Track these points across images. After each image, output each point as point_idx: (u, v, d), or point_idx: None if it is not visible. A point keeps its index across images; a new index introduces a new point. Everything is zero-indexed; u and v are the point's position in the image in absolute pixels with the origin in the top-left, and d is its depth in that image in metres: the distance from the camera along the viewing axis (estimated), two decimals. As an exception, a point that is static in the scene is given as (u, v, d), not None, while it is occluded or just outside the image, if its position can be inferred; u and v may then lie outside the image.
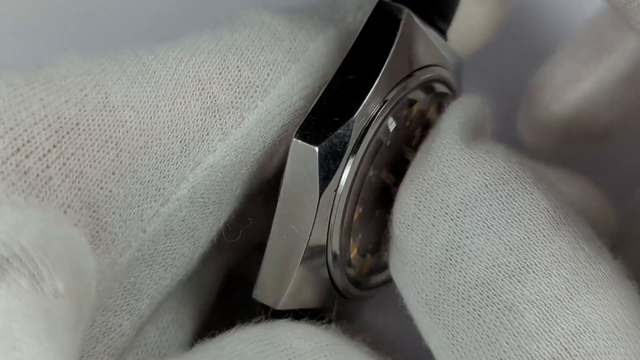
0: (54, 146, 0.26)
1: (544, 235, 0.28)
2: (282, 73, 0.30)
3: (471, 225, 0.29)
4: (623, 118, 0.39)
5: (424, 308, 0.29)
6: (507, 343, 0.27)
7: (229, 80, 0.29)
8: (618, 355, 0.26)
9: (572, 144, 0.39)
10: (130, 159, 0.27)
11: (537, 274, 0.28)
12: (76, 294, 0.25)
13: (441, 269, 0.29)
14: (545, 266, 0.28)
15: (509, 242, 0.28)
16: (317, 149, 0.28)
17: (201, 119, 0.29)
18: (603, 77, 0.37)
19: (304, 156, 0.29)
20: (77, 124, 0.27)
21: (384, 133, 0.30)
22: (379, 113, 0.30)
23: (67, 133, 0.27)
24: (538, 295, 0.27)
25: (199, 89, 0.29)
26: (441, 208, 0.29)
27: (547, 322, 0.27)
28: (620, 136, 0.40)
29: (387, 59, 0.29)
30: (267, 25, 0.31)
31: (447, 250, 0.29)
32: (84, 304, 0.26)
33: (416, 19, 0.31)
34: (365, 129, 0.29)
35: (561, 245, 0.28)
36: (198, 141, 0.29)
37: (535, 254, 0.28)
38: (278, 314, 0.31)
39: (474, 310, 0.28)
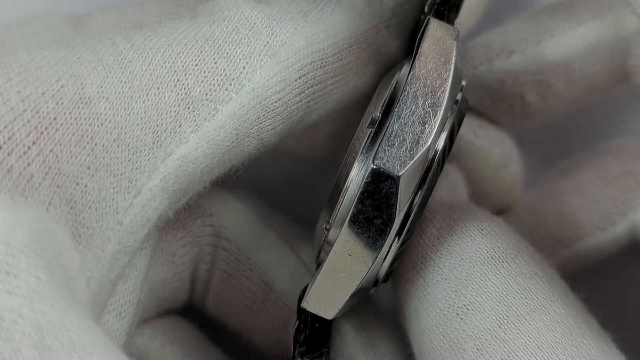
0: (34, 143, 0.26)
1: (481, 275, 0.31)
2: (257, 66, 0.30)
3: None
4: (550, 106, 0.39)
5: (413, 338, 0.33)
6: None
7: (204, 72, 0.29)
8: None
9: (495, 114, 0.39)
10: (104, 152, 0.28)
11: (474, 311, 0.30)
12: (65, 287, 0.26)
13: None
14: (480, 303, 0.31)
15: (454, 283, 0.31)
16: (400, 176, 0.28)
17: (174, 111, 0.29)
18: (536, 58, 0.37)
19: (383, 183, 0.28)
20: (54, 119, 0.27)
21: (442, 156, 0.30)
22: (442, 136, 0.30)
23: (46, 129, 0.27)
24: (475, 329, 0.30)
25: (174, 80, 0.29)
26: None
27: (480, 352, 0.30)
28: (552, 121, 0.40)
29: (449, 86, 0.29)
30: (245, 18, 0.31)
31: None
32: (74, 297, 0.26)
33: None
34: (433, 155, 0.29)
35: (495, 282, 0.31)
36: (170, 132, 0.29)
37: (472, 292, 0.31)
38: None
39: (433, 346, 0.31)
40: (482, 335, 0.30)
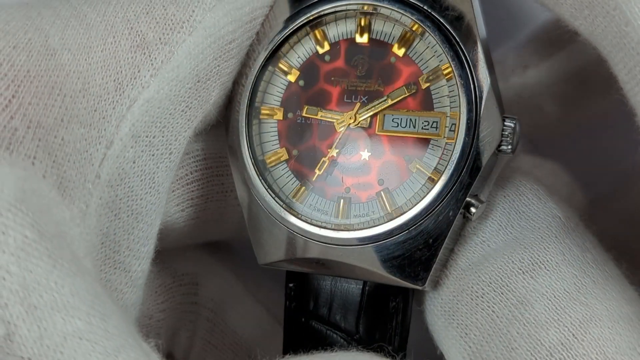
0: (13, 96, 0.26)
1: (556, 237, 0.31)
2: (207, 10, 0.31)
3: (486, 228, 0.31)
4: (570, 113, 0.40)
5: (439, 310, 0.31)
6: (517, 333, 0.29)
7: (156, 18, 0.30)
8: (622, 342, 0.28)
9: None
10: (73, 102, 0.28)
11: (548, 270, 0.30)
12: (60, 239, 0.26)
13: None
14: (556, 263, 0.30)
15: (524, 242, 0.30)
16: None
17: (132, 57, 0.30)
18: (549, 70, 0.38)
19: None
20: (28, 71, 0.27)
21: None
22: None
23: (22, 81, 0.27)
24: (548, 288, 0.29)
25: (127, 28, 0.30)
26: None
27: (556, 312, 0.29)
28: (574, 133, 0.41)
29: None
30: None
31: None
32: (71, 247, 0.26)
33: None
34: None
35: (571, 246, 0.31)
36: (130, 78, 0.29)
37: (547, 252, 0.30)
38: None
39: (488, 306, 0.30)
40: (558, 295, 0.29)
